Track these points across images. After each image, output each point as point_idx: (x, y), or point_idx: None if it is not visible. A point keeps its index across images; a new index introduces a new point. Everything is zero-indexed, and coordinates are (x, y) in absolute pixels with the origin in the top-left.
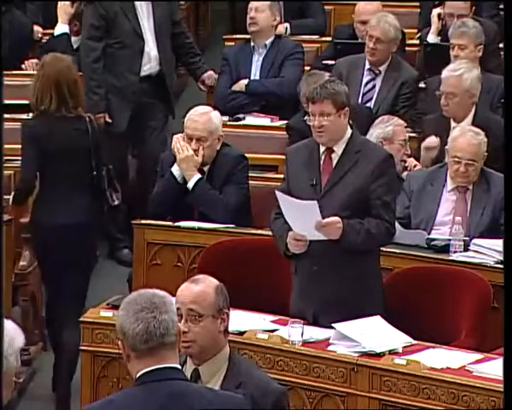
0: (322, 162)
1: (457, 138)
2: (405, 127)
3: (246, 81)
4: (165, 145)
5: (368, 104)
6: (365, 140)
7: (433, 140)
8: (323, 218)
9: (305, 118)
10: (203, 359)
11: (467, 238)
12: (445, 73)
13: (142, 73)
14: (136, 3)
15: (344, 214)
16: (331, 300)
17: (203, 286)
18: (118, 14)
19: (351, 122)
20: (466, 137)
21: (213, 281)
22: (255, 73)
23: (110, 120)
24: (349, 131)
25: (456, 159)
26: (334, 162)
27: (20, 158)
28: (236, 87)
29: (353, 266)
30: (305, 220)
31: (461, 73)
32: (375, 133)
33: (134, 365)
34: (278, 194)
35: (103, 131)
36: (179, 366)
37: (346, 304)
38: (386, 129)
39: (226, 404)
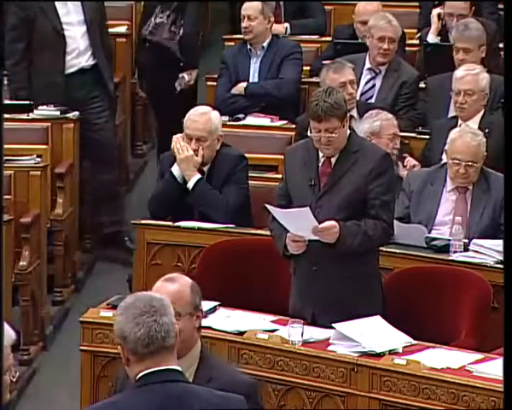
0: (320, 162)
1: (456, 140)
2: (406, 128)
3: (244, 84)
4: (114, 136)
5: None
6: (363, 139)
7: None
8: (321, 218)
9: (309, 134)
10: (179, 356)
11: (466, 240)
12: (460, 72)
13: (73, 69)
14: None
15: (342, 214)
16: (330, 300)
17: (179, 285)
18: (37, 13)
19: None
20: (465, 138)
21: (187, 279)
22: (254, 75)
23: None
24: (348, 131)
25: (456, 161)
26: (333, 162)
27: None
28: (235, 90)
29: (352, 267)
30: (301, 225)
31: (477, 72)
32: (363, 128)
33: (134, 367)
34: (270, 208)
35: None
36: (179, 368)
37: (344, 304)
38: (374, 124)
39: (227, 405)
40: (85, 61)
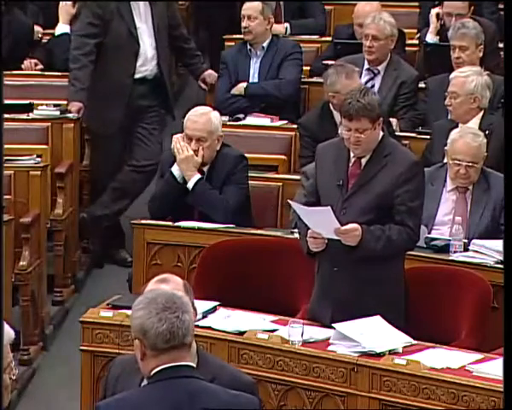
0: (350, 163)
1: (457, 141)
2: (406, 128)
3: (244, 84)
4: (161, 147)
5: None
6: (395, 143)
7: None
8: (347, 219)
9: (339, 132)
10: None
11: (466, 240)
12: (453, 74)
13: (138, 75)
14: (133, 4)
15: (368, 217)
16: (349, 302)
17: (173, 286)
18: (114, 14)
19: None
20: (465, 139)
21: (179, 279)
22: (254, 75)
23: (79, 115)
24: (380, 133)
25: (457, 161)
26: (363, 164)
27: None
28: (235, 91)
29: (374, 271)
30: (321, 223)
31: (467, 74)
32: None
33: (149, 362)
34: (292, 203)
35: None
36: (194, 364)
37: (362, 307)
38: None
39: (242, 405)
40: (150, 70)
